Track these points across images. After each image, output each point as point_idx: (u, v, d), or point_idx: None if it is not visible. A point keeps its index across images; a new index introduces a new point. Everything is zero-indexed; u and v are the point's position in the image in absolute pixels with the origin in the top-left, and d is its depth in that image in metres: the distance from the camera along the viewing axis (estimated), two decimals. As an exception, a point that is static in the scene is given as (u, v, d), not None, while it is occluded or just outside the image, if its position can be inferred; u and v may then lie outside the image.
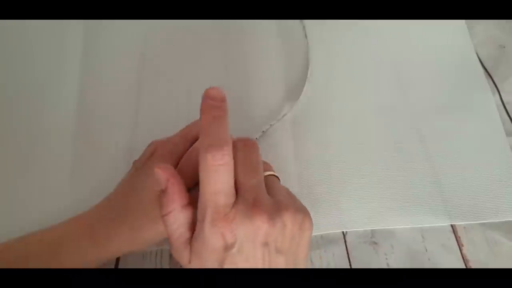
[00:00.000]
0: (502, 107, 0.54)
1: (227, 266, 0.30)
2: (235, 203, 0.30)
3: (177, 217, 0.31)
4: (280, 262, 0.31)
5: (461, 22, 0.60)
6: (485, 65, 0.57)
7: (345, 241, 0.46)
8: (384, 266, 0.44)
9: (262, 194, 0.31)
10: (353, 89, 0.54)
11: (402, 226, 0.46)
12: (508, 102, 0.54)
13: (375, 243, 0.46)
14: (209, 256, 0.30)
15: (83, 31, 0.58)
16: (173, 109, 0.52)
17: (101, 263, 0.38)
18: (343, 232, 0.46)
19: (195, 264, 0.31)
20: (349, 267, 0.44)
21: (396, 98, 0.54)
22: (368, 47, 0.57)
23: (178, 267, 0.44)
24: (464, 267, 0.44)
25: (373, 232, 0.46)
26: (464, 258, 0.45)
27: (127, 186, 0.40)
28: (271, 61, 0.56)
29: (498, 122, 0.52)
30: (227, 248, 0.30)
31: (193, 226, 0.32)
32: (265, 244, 0.30)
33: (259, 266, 0.31)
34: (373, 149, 0.50)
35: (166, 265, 0.44)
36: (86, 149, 0.50)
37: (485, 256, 0.45)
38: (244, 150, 0.33)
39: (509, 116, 0.53)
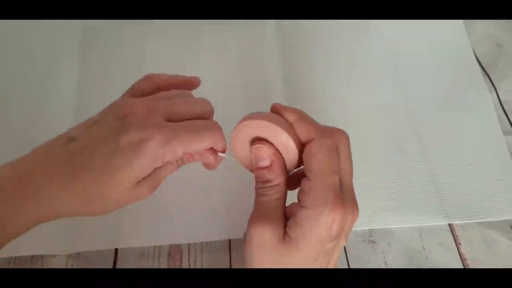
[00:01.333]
0: (499, 105, 0.54)
1: (321, 259, 0.30)
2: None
3: (282, 190, 0.32)
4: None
5: (459, 21, 0.60)
6: (482, 63, 0.57)
7: (343, 240, 0.46)
8: (382, 265, 0.45)
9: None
10: (352, 89, 0.54)
11: (400, 226, 0.46)
12: (506, 101, 0.54)
13: (373, 242, 0.46)
14: (310, 245, 0.30)
15: (81, 31, 0.57)
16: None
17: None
18: (341, 231, 0.46)
19: (287, 252, 0.30)
20: (347, 266, 0.44)
21: (394, 98, 0.54)
22: (367, 46, 0.57)
23: (177, 266, 0.44)
24: (462, 265, 0.44)
25: (371, 231, 0.46)
26: (462, 257, 0.45)
27: (95, 150, 0.31)
28: (270, 61, 0.56)
29: (495, 121, 0.52)
30: (332, 238, 0.30)
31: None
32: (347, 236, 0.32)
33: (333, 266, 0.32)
34: (372, 148, 0.50)
35: (164, 265, 0.44)
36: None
37: (482, 254, 0.45)
38: (343, 139, 0.34)
39: (506, 115, 0.53)
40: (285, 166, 0.33)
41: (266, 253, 0.31)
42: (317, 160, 0.31)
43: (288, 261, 0.30)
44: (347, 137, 0.34)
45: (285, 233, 0.30)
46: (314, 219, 0.29)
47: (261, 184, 0.33)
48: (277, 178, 0.32)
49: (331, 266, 0.32)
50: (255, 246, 0.31)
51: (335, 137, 0.33)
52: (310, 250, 0.30)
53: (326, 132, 0.32)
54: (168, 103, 0.33)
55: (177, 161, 0.34)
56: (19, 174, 0.31)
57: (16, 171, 0.31)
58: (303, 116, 0.34)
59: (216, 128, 0.34)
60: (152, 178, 0.33)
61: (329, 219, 0.29)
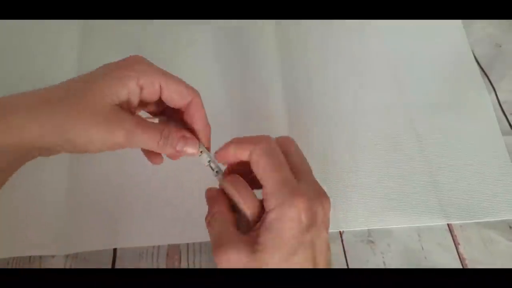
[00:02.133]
0: (498, 106, 0.54)
1: (301, 253, 0.30)
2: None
3: (225, 216, 0.33)
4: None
5: (457, 22, 0.60)
6: (481, 64, 0.57)
7: (341, 240, 0.46)
8: (381, 265, 0.45)
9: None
10: (351, 89, 0.54)
11: (399, 226, 0.46)
12: (504, 101, 0.54)
13: (372, 242, 0.46)
14: (283, 242, 0.30)
15: (79, 30, 0.57)
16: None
17: (20, 153, 0.33)
18: (339, 231, 0.46)
19: (261, 259, 0.30)
20: (346, 266, 0.44)
21: (393, 98, 0.54)
22: (366, 47, 0.58)
23: (176, 266, 0.44)
24: (460, 265, 0.45)
25: (369, 231, 0.46)
26: (460, 257, 0.45)
27: (84, 77, 0.33)
28: (269, 61, 0.56)
29: (494, 121, 0.52)
30: (305, 229, 0.30)
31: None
32: (327, 230, 0.33)
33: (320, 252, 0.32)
34: (371, 148, 0.50)
35: (163, 265, 0.44)
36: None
37: (481, 254, 0.45)
38: (296, 146, 0.36)
39: (505, 115, 0.53)
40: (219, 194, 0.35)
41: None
42: (259, 165, 0.32)
43: (269, 264, 0.30)
44: (292, 139, 0.36)
45: (254, 244, 0.30)
46: (277, 217, 0.30)
47: (208, 219, 0.34)
48: (215, 208, 0.34)
49: (322, 257, 0.32)
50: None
51: (277, 141, 0.34)
52: (285, 247, 0.30)
53: (260, 140, 0.33)
54: None
55: (159, 136, 0.33)
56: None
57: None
58: (237, 141, 0.34)
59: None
60: (129, 116, 0.32)
61: (292, 211, 0.30)
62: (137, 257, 0.45)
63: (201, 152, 0.36)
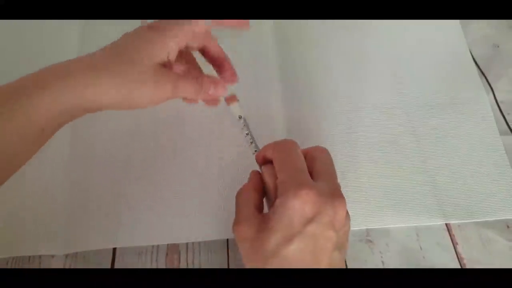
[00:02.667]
0: (496, 106, 0.54)
1: (297, 241, 0.31)
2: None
3: (251, 194, 0.37)
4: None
5: (455, 22, 0.60)
6: (479, 64, 0.57)
7: (340, 240, 0.46)
8: (379, 265, 0.45)
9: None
10: (350, 89, 0.54)
11: (397, 226, 0.46)
12: (502, 101, 0.54)
13: (371, 241, 0.46)
14: (282, 226, 0.32)
15: (79, 31, 0.57)
16: (170, 108, 0.52)
17: (76, 111, 0.35)
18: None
19: (262, 238, 0.32)
20: (344, 266, 0.44)
21: (391, 98, 0.54)
22: (364, 46, 0.58)
23: (175, 266, 0.44)
24: (459, 265, 0.45)
25: (368, 231, 0.46)
26: (459, 256, 0.45)
27: (126, 43, 0.38)
28: (268, 60, 0.56)
29: (491, 121, 0.52)
30: (307, 220, 0.32)
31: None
32: (336, 231, 0.33)
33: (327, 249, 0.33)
34: (369, 148, 0.50)
35: (162, 264, 0.44)
36: (82, 148, 0.50)
37: (479, 254, 0.45)
38: (326, 154, 0.39)
39: (502, 115, 0.53)
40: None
41: (247, 243, 0.33)
42: (277, 159, 0.36)
43: (264, 245, 0.32)
44: (325, 149, 0.39)
45: (264, 222, 0.33)
46: (283, 203, 0.32)
47: (237, 192, 0.38)
48: (245, 185, 0.38)
49: (325, 256, 0.32)
50: (239, 242, 0.34)
51: (309, 148, 0.39)
52: (283, 231, 0.32)
53: (282, 141, 0.38)
54: None
55: (196, 84, 0.38)
56: (51, 67, 0.36)
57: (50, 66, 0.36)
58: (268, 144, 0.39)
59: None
60: (172, 73, 0.37)
61: (296, 201, 0.32)
62: (136, 256, 0.45)
63: (240, 117, 0.42)
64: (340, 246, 0.34)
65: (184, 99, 0.44)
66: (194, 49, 0.41)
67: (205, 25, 0.38)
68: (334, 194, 0.34)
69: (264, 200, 0.38)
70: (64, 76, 0.34)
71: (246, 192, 0.37)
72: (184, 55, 0.41)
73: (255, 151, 0.41)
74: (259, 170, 0.39)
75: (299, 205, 0.32)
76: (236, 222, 0.35)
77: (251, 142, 0.42)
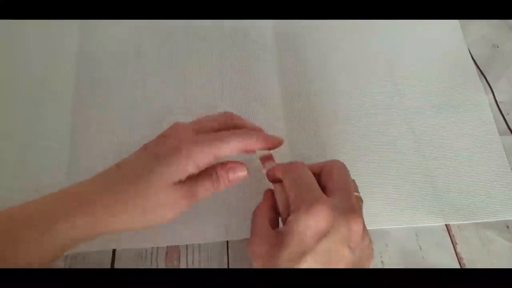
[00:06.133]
0: (495, 106, 0.54)
1: (309, 259, 0.31)
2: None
3: (266, 214, 0.37)
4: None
5: (455, 22, 0.60)
6: (478, 64, 0.57)
7: (340, 240, 0.46)
8: (379, 265, 0.45)
9: (359, 206, 0.37)
10: (349, 89, 0.54)
11: (396, 227, 0.46)
12: (502, 101, 0.54)
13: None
14: (293, 242, 0.32)
15: (78, 30, 0.57)
16: (169, 108, 0.52)
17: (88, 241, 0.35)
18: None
19: (274, 254, 0.32)
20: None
21: (391, 98, 0.54)
22: (363, 46, 0.58)
23: (175, 266, 0.44)
24: (458, 265, 0.45)
25: (368, 231, 0.46)
26: (458, 257, 0.45)
27: (136, 165, 0.36)
28: (267, 61, 0.56)
29: (491, 121, 0.52)
30: (320, 236, 0.31)
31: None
32: (351, 249, 0.33)
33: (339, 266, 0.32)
34: (368, 149, 0.50)
35: (162, 265, 0.44)
36: (82, 148, 0.50)
37: (479, 254, 0.45)
38: (342, 167, 0.38)
39: (502, 115, 0.53)
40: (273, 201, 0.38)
41: (261, 260, 0.33)
42: (286, 178, 0.36)
43: (277, 261, 0.31)
44: (341, 163, 0.38)
45: (277, 240, 0.33)
46: (295, 219, 0.32)
47: (253, 212, 0.38)
48: (260, 204, 0.38)
49: None
50: (253, 259, 0.34)
51: (324, 163, 0.38)
52: (295, 248, 0.31)
53: (293, 163, 0.38)
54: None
55: (213, 182, 0.38)
56: (64, 193, 0.35)
57: (62, 191, 0.35)
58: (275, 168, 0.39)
59: (243, 132, 0.38)
60: (187, 186, 0.36)
61: (309, 216, 0.32)
62: (136, 257, 0.45)
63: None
64: (357, 266, 0.33)
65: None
66: None
67: (230, 151, 0.37)
68: (348, 210, 0.33)
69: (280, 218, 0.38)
70: (85, 207, 0.34)
71: (261, 210, 0.38)
72: None
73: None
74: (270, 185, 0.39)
75: (311, 220, 0.31)
76: (251, 240, 0.35)
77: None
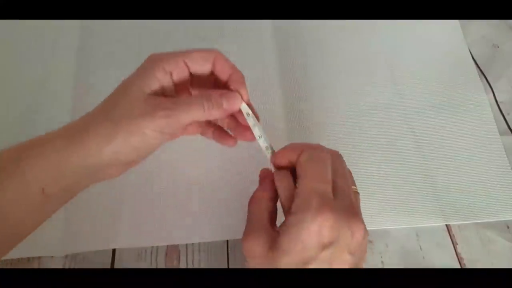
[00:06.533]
0: (495, 106, 0.54)
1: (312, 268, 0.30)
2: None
3: (267, 203, 0.34)
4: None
5: (455, 22, 0.60)
6: (478, 64, 0.57)
7: (340, 240, 0.46)
8: (379, 265, 0.45)
9: (358, 203, 0.34)
10: (349, 89, 0.54)
11: (396, 227, 0.46)
12: (502, 101, 0.54)
13: (370, 241, 0.46)
14: (296, 250, 0.29)
15: (78, 30, 0.57)
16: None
17: (79, 172, 0.33)
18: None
19: (274, 258, 0.30)
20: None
21: (391, 98, 0.54)
22: (363, 46, 0.58)
23: (174, 266, 0.44)
24: (458, 265, 0.45)
25: (368, 231, 0.46)
26: (458, 257, 0.45)
27: (116, 89, 0.36)
28: (267, 61, 0.56)
29: (491, 121, 0.52)
30: (323, 246, 0.29)
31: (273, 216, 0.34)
32: (352, 254, 0.31)
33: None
34: (369, 149, 0.50)
35: (162, 265, 0.44)
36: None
37: (479, 254, 0.45)
38: (338, 158, 0.35)
39: (502, 115, 0.53)
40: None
41: (257, 261, 0.31)
42: (303, 167, 0.32)
43: (275, 266, 0.30)
44: (339, 153, 0.35)
45: (275, 241, 0.31)
46: (298, 224, 0.30)
47: (250, 199, 0.35)
48: (259, 191, 0.35)
49: None
50: (248, 258, 0.32)
51: (327, 152, 0.34)
52: (297, 256, 0.30)
53: (312, 146, 0.34)
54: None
55: (202, 103, 0.34)
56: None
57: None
58: (292, 144, 0.36)
59: (215, 50, 0.37)
60: (166, 99, 0.34)
61: (314, 225, 0.29)
62: (136, 257, 0.45)
63: (248, 114, 0.37)
64: (356, 266, 0.32)
65: (216, 138, 0.41)
66: (203, 74, 0.37)
67: (200, 59, 0.36)
68: (351, 214, 0.31)
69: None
70: (62, 133, 0.33)
71: (259, 200, 0.34)
72: (200, 84, 0.38)
73: (266, 147, 0.37)
74: (268, 168, 0.37)
75: (316, 228, 0.29)
76: (246, 236, 0.32)
77: (260, 137, 0.37)
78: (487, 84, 0.55)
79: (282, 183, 0.33)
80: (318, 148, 0.34)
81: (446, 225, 0.47)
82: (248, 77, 0.54)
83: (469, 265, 0.45)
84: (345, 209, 0.31)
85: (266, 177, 0.36)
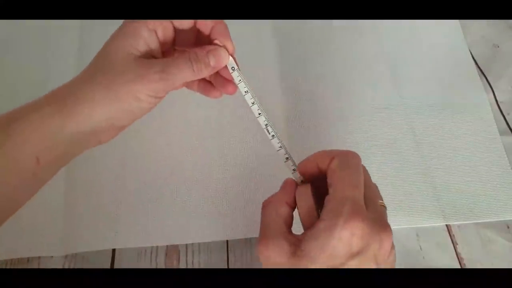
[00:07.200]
0: (496, 106, 0.54)
1: None
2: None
3: (285, 210, 0.32)
4: None
5: (455, 22, 0.60)
6: (479, 64, 0.57)
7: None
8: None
9: (386, 217, 0.32)
10: (349, 90, 0.54)
11: (397, 227, 0.46)
12: (502, 101, 0.54)
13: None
14: (324, 258, 0.28)
15: (78, 30, 0.57)
16: (168, 107, 0.52)
17: (72, 139, 0.32)
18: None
19: (300, 265, 0.29)
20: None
21: (391, 98, 0.54)
22: (364, 46, 0.58)
23: (174, 266, 0.44)
24: (458, 265, 0.45)
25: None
26: (458, 257, 0.45)
27: (101, 51, 0.35)
28: (267, 61, 0.56)
29: (491, 121, 0.52)
30: (352, 255, 0.28)
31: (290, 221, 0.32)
32: (378, 265, 0.30)
33: None
34: (369, 149, 0.50)
35: (162, 264, 0.44)
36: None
37: (479, 254, 0.45)
38: (365, 170, 0.33)
39: (502, 115, 0.53)
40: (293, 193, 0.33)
41: (277, 267, 0.30)
42: (336, 174, 0.31)
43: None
44: (366, 168, 0.34)
45: (297, 247, 0.29)
46: (328, 231, 0.28)
47: (264, 202, 0.33)
48: (277, 195, 0.33)
49: None
50: (266, 265, 0.31)
51: (359, 160, 0.33)
52: (323, 264, 0.28)
53: (346, 152, 0.33)
54: None
55: (191, 63, 0.34)
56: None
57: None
58: (323, 151, 0.34)
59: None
60: (157, 61, 0.33)
61: (345, 231, 0.28)
62: (135, 257, 0.45)
63: (232, 68, 0.36)
64: None
65: (199, 90, 0.40)
66: (186, 29, 0.37)
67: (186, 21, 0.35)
68: (382, 228, 0.30)
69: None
70: (52, 99, 0.32)
71: (276, 204, 0.33)
72: (183, 42, 0.38)
73: (287, 158, 0.36)
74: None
75: (347, 237, 0.28)
76: (263, 242, 0.30)
77: (280, 146, 0.37)
78: (487, 84, 0.55)
79: (302, 196, 0.32)
80: (349, 155, 0.32)
81: (446, 225, 0.47)
82: (248, 77, 0.54)
83: (469, 265, 0.45)
84: (376, 220, 0.30)
85: (289, 185, 0.34)
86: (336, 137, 0.51)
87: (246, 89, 0.37)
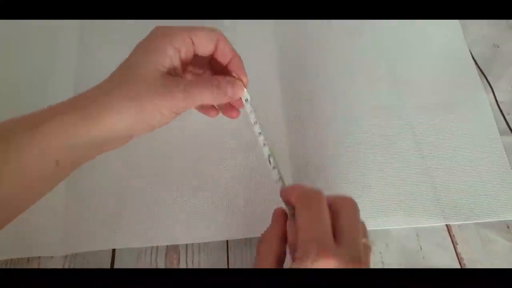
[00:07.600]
0: (496, 106, 0.54)
1: None
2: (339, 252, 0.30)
3: (274, 248, 0.34)
4: None
5: (455, 22, 0.60)
6: (479, 64, 0.57)
7: (340, 240, 0.46)
8: (379, 265, 0.45)
9: (368, 256, 0.33)
10: (349, 90, 0.54)
11: (397, 227, 0.46)
12: (502, 101, 0.54)
13: (370, 241, 0.46)
14: None
15: (78, 30, 0.57)
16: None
17: (92, 145, 0.34)
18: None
19: None
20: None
21: (391, 98, 0.54)
22: (363, 47, 0.58)
23: (174, 266, 0.44)
24: (459, 265, 0.45)
25: (368, 231, 0.46)
26: (458, 257, 0.45)
27: (126, 63, 0.36)
28: (267, 61, 0.56)
29: (491, 121, 0.52)
30: None
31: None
32: None
33: None
34: (369, 149, 0.50)
35: (162, 265, 0.44)
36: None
37: (479, 254, 0.45)
38: (352, 208, 0.34)
39: (502, 115, 0.53)
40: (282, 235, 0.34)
41: None
42: (300, 213, 0.32)
43: None
44: (354, 203, 0.34)
45: None
46: (301, 267, 0.30)
47: (258, 240, 0.35)
48: (267, 232, 0.35)
49: None
50: None
51: (333, 200, 0.33)
52: None
53: (309, 194, 0.33)
54: None
55: (212, 88, 0.35)
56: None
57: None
58: (294, 187, 0.36)
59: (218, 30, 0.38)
60: (182, 80, 0.35)
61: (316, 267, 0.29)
62: (135, 257, 0.45)
63: (246, 100, 0.39)
64: None
65: (202, 110, 0.42)
66: (204, 55, 0.38)
67: (205, 35, 0.36)
68: (356, 263, 0.30)
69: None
70: (77, 105, 0.33)
71: (268, 240, 0.34)
72: (197, 63, 0.40)
73: (280, 178, 0.38)
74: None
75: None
76: None
77: (274, 167, 0.38)
78: (487, 84, 0.55)
79: (290, 228, 0.33)
80: (313, 194, 0.33)
81: (446, 225, 0.47)
82: (248, 77, 0.54)
83: (469, 265, 0.45)
84: (348, 257, 0.30)
85: (279, 216, 0.36)
86: (336, 137, 0.51)
87: (255, 119, 0.40)
